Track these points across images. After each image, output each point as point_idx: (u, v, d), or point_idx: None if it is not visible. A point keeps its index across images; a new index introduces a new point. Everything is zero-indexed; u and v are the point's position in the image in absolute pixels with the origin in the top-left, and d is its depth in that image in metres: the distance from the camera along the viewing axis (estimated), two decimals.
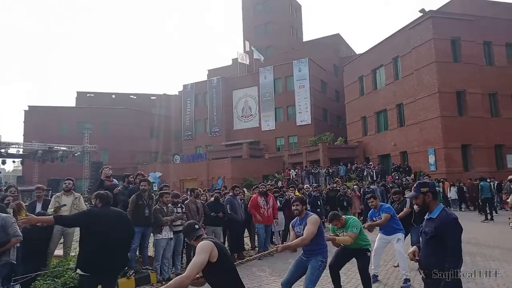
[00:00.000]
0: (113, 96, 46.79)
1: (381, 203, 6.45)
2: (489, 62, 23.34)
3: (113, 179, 7.82)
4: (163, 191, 7.09)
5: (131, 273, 6.15)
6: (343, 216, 5.31)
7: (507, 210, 12.45)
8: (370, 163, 25.51)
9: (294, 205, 4.64)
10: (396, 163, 24.41)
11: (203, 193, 8.90)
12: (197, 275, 3.14)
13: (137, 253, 6.99)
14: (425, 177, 18.54)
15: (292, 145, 34.90)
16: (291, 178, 24.23)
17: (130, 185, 7.40)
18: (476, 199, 16.13)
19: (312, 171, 24.01)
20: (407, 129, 24.44)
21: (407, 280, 5.75)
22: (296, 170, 25.80)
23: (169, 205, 7.08)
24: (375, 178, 20.32)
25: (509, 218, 9.44)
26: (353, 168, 24.50)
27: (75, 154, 30.93)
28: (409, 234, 6.91)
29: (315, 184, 13.24)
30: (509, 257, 7.77)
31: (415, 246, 3.29)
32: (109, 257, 3.88)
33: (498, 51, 23.33)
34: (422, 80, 22.71)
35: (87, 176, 29.02)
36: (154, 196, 7.25)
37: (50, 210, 6.38)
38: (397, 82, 25.59)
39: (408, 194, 3.27)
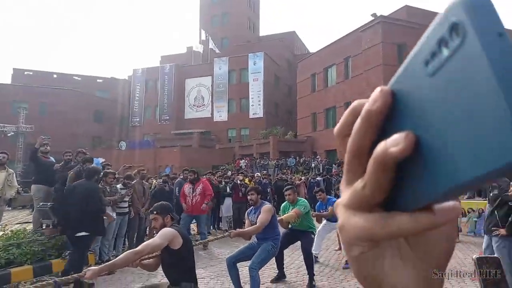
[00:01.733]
0: (55, 76, 43.46)
1: (328, 196, 6.77)
2: None
3: (50, 157, 7.28)
4: (107, 171, 6.74)
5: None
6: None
7: None
8: (318, 157, 26.38)
9: (249, 195, 4.74)
10: (341, 158, 25.40)
11: (150, 177, 8.58)
12: (149, 258, 3.17)
13: None
14: None
15: (243, 137, 35.00)
16: (241, 168, 24.33)
17: (71, 163, 6.92)
18: None
19: (262, 162, 24.29)
20: None
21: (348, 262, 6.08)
22: (246, 161, 25.96)
23: (117, 185, 6.76)
24: (321, 171, 21.02)
25: None
26: (301, 161, 25.17)
27: (8, 134, 28.41)
28: None
29: (265, 171, 13.39)
30: None
31: None
32: (71, 220, 5.22)
33: None
34: (370, 81, 23.84)
35: (21, 158, 26.78)
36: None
37: None
38: (347, 81, 26.65)
39: None
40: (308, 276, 5.19)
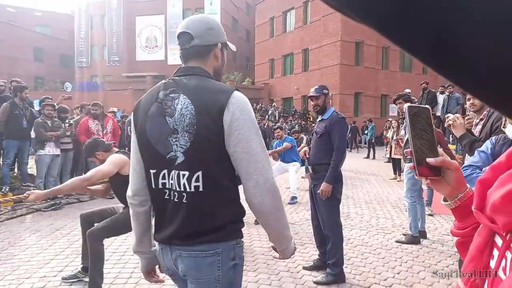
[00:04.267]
0: None
1: (285, 135, 7.01)
2: None
3: None
4: (45, 103, 6.22)
5: (6, 189, 5.42)
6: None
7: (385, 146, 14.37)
8: (274, 103, 26.50)
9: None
10: (297, 106, 25.80)
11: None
12: (101, 186, 3.14)
13: (16, 170, 6.18)
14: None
15: None
16: None
17: (3, 93, 6.28)
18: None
19: None
20: (309, 74, 25.66)
21: (294, 198, 6.48)
22: None
23: (56, 119, 6.29)
24: (277, 118, 21.25)
25: (386, 150, 11.03)
26: (257, 108, 25.16)
27: None
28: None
29: None
30: (381, 182, 9.07)
31: (306, 147, 3.51)
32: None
33: None
34: (328, 28, 23.62)
35: None
36: (32, 108, 6.32)
37: None
38: (305, 26, 26.20)
39: (312, 92, 3.36)
40: None
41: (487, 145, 2.09)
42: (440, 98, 10.09)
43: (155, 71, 34.05)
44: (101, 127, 6.60)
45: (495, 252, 0.62)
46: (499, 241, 0.61)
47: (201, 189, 1.22)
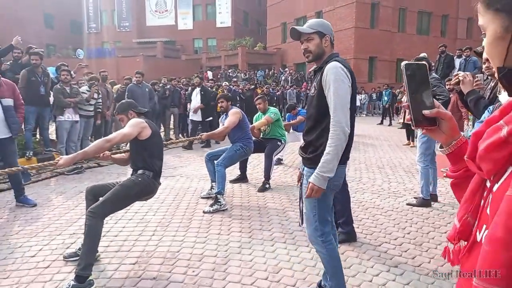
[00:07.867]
0: None
1: (298, 109, 7.30)
2: None
3: None
4: (61, 69, 6.31)
5: (29, 154, 5.67)
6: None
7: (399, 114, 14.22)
8: (286, 69, 26.12)
9: (219, 102, 4.92)
10: (311, 72, 25.34)
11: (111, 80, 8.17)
12: (123, 154, 3.22)
13: (37, 135, 6.42)
14: None
15: (210, 48, 33.56)
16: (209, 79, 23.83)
17: (20, 61, 6.38)
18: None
19: (230, 74, 23.80)
20: None
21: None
22: (214, 73, 25.37)
23: (84, 87, 6.43)
24: (291, 84, 21.00)
25: (399, 116, 10.97)
26: (270, 74, 24.88)
27: None
28: None
29: (235, 79, 13.21)
30: (394, 148, 9.09)
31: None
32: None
33: None
34: None
35: None
36: (50, 74, 6.42)
37: None
38: None
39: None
40: (264, 176, 5.27)
41: (484, 116, 2.14)
42: (457, 62, 9.80)
43: (165, 37, 33.69)
44: None
45: (485, 194, 0.71)
46: (489, 184, 0.70)
47: None
